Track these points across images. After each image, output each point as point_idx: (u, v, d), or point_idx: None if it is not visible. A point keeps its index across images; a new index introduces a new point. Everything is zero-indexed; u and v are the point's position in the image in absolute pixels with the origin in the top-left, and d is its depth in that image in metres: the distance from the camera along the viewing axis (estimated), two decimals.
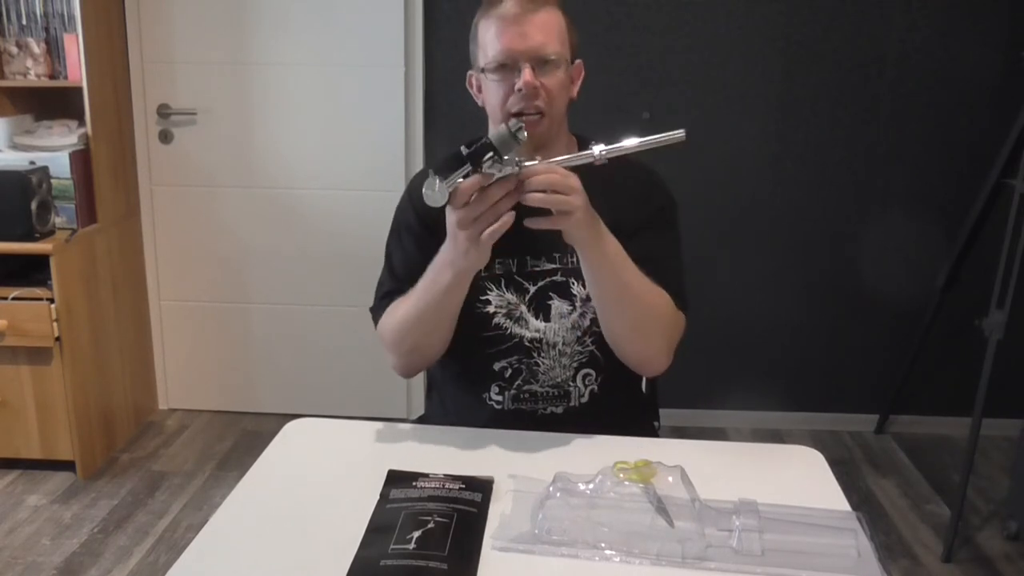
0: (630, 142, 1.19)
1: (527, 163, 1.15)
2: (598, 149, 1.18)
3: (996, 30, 2.79)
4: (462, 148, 1.12)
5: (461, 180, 1.13)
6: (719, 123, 2.89)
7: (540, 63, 1.30)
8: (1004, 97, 2.78)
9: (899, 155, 2.91)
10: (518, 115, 1.31)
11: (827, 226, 2.98)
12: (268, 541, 1.06)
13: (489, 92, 1.34)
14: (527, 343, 1.40)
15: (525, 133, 1.12)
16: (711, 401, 3.10)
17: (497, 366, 1.41)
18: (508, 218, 1.15)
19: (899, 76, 2.85)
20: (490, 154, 1.11)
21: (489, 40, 1.31)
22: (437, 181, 1.12)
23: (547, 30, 1.30)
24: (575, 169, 1.18)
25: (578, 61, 1.39)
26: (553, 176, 1.15)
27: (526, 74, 1.28)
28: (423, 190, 1.14)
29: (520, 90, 1.29)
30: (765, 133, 2.90)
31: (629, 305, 1.30)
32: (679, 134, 1.17)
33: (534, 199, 1.14)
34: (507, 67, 1.30)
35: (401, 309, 1.37)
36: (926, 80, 2.85)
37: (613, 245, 1.25)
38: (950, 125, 2.87)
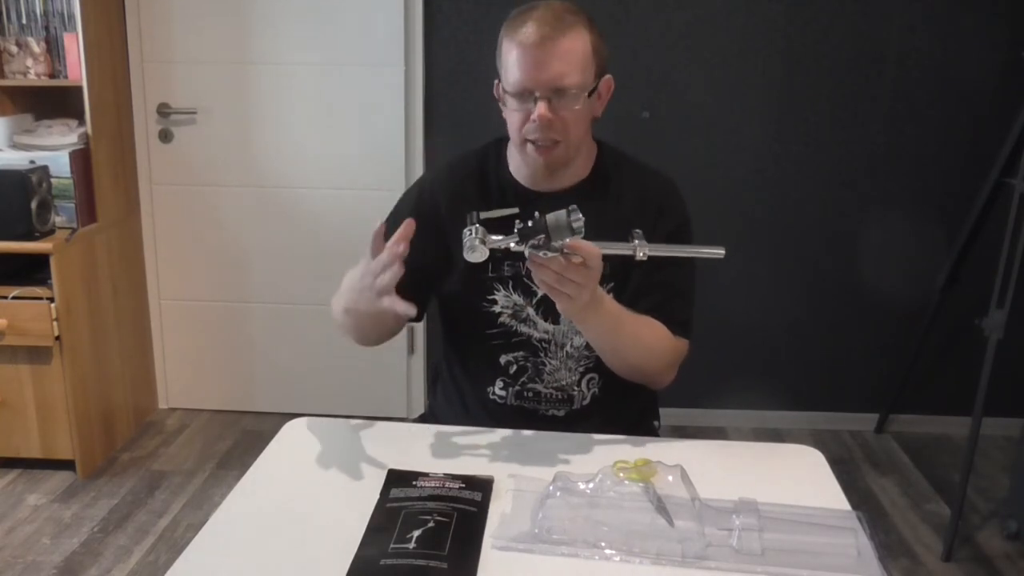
0: (673, 248, 1.32)
1: (575, 240, 1.12)
2: (641, 252, 1.21)
3: (996, 30, 2.79)
4: (516, 223, 1.12)
5: (503, 246, 1.14)
6: (719, 123, 2.88)
7: (557, 94, 1.27)
8: (1004, 97, 2.78)
9: (899, 155, 2.91)
10: (533, 142, 1.31)
11: (827, 226, 2.98)
12: (268, 541, 1.06)
13: (509, 114, 1.33)
14: (535, 342, 1.41)
15: (582, 224, 1.09)
16: (711, 400, 3.10)
17: (503, 360, 1.43)
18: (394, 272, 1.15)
19: (899, 76, 2.85)
20: (541, 236, 1.11)
21: (510, 65, 1.28)
22: (479, 238, 1.13)
23: (568, 59, 1.26)
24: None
25: (606, 77, 1.34)
26: (570, 269, 1.12)
27: (540, 108, 1.26)
28: (464, 238, 1.14)
29: (535, 120, 1.27)
30: (765, 133, 2.90)
31: (624, 352, 1.35)
32: (719, 252, 1.24)
33: (547, 276, 1.13)
34: (524, 95, 1.28)
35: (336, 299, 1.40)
36: (926, 80, 2.84)
37: (606, 316, 1.25)
38: (950, 125, 2.87)
